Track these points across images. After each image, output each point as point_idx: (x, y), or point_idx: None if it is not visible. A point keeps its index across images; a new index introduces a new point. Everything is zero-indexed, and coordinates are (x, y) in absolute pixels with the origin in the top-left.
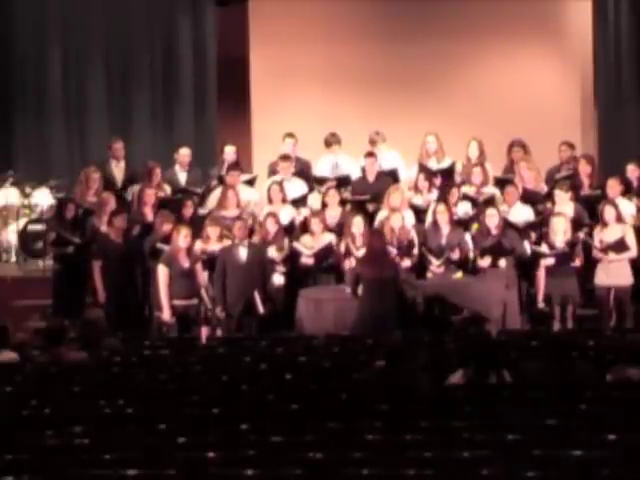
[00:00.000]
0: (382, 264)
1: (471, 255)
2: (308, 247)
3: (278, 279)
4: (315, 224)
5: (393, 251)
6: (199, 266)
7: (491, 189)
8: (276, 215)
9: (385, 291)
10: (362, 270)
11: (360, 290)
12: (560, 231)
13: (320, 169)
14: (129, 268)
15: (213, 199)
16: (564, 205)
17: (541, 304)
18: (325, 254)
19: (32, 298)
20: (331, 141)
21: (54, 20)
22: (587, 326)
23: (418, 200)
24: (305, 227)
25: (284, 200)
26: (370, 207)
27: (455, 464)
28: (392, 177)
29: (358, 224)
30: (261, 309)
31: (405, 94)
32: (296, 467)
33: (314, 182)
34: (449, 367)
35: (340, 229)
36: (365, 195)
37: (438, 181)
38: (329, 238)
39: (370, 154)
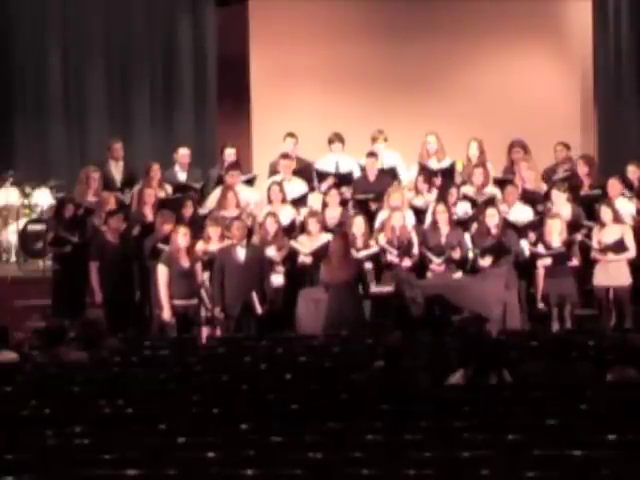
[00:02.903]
0: (341, 267)
1: (470, 255)
2: (306, 247)
3: (277, 279)
4: (312, 224)
5: (392, 251)
6: (199, 266)
7: (492, 189)
8: (276, 215)
9: (343, 295)
10: (322, 273)
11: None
12: (556, 232)
13: (322, 166)
14: (126, 268)
15: (213, 199)
16: (561, 206)
17: (540, 304)
18: (323, 253)
19: (32, 298)
20: (334, 139)
21: (54, 20)
22: (586, 326)
23: (418, 201)
24: (304, 227)
25: (284, 200)
26: (373, 206)
27: (455, 464)
28: (392, 175)
29: (359, 224)
30: (259, 309)
31: (405, 94)
32: (296, 467)
33: (316, 176)
34: (449, 367)
35: (340, 229)
36: (365, 194)
37: (438, 181)
38: (327, 238)
39: (371, 154)
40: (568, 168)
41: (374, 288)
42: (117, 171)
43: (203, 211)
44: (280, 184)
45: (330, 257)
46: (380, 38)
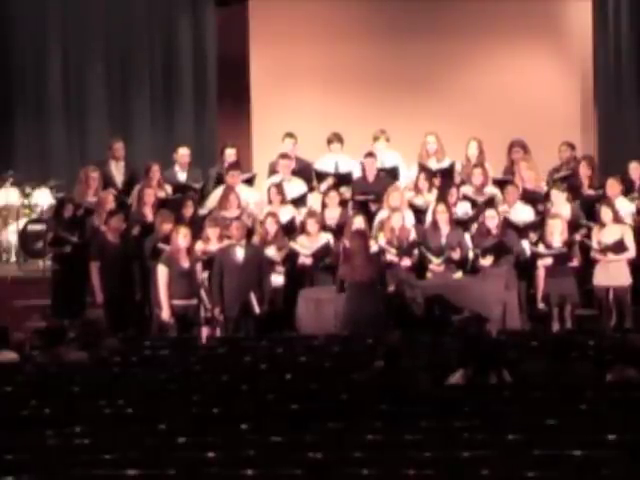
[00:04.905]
0: (363, 266)
1: (470, 255)
2: (306, 247)
3: (278, 279)
4: (311, 225)
5: (392, 251)
6: (199, 266)
7: (492, 189)
8: (276, 215)
9: (364, 294)
10: (342, 272)
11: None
12: (556, 232)
13: (321, 166)
14: (126, 268)
15: (213, 199)
16: (561, 205)
17: (541, 304)
18: (323, 254)
19: (32, 298)
20: (333, 139)
21: (54, 20)
22: (586, 326)
23: (419, 201)
24: (304, 228)
25: (283, 201)
26: (373, 207)
27: (455, 464)
28: (392, 175)
29: (359, 224)
30: (257, 309)
31: (405, 94)
32: (296, 467)
33: (315, 177)
34: (449, 367)
35: (340, 229)
36: (365, 194)
37: (438, 181)
38: (326, 238)
39: (370, 154)
40: (571, 167)
41: None
42: (118, 171)
43: (203, 211)
44: (278, 185)
45: (351, 256)
46: (380, 38)
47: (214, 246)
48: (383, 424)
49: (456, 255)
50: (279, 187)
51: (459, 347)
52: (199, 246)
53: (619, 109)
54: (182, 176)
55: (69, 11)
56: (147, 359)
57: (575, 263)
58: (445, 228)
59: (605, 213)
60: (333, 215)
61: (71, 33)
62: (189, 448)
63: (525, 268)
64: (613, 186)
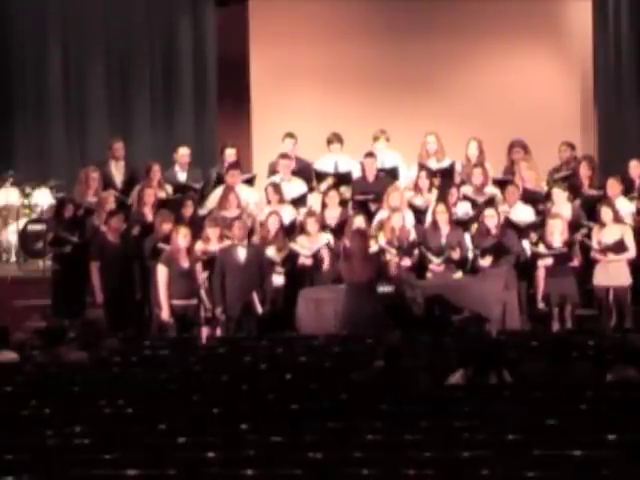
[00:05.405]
0: (362, 267)
1: (470, 255)
2: (305, 248)
3: (278, 279)
4: (311, 224)
5: (392, 251)
6: (199, 266)
7: (492, 189)
8: (279, 214)
9: (363, 294)
10: (341, 271)
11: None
12: (557, 232)
13: (321, 166)
14: (127, 268)
15: (213, 199)
16: (562, 205)
17: (541, 304)
18: (324, 254)
19: (32, 298)
20: (333, 140)
21: (54, 20)
22: (586, 326)
23: (418, 201)
24: (303, 228)
25: (281, 200)
26: (373, 207)
27: (455, 464)
28: (392, 175)
29: (359, 224)
30: (259, 309)
31: (405, 94)
32: (296, 467)
33: (315, 177)
34: (449, 367)
35: (340, 229)
36: (365, 194)
37: (438, 181)
38: (325, 238)
39: (369, 154)
40: (571, 167)
41: None
42: (117, 171)
43: (203, 212)
44: (275, 185)
45: (350, 257)
46: (380, 38)
47: (214, 246)
48: (383, 424)
49: (456, 255)
50: (276, 187)
51: (459, 347)
52: (199, 246)
53: (619, 109)
54: (182, 176)
55: (69, 11)
56: (147, 359)
57: (575, 263)
58: (445, 228)
59: (605, 213)
60: (333, 215)
61: (71, 32)
62: (189, 448)
63: (525, 268)
64: (613, 186)
